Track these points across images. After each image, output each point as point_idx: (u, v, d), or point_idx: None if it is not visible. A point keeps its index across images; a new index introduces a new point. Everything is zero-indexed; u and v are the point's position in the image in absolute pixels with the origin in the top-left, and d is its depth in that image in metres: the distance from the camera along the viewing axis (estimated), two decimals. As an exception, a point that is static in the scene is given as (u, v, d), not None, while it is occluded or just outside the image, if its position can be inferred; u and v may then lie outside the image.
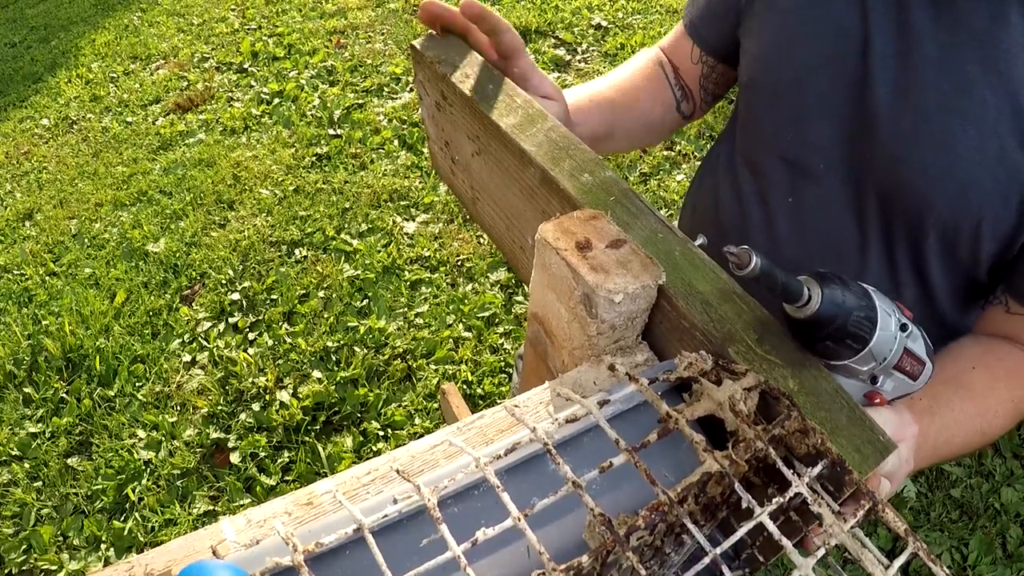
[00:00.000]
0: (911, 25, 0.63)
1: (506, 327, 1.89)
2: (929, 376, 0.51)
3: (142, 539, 1.52)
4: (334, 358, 1.84)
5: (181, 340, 1.92)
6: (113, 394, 1.80)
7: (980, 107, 0.62)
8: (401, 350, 1.84)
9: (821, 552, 0.28)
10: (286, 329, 1.92)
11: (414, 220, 2.22)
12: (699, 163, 0.96)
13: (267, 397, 1.76)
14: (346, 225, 2.21)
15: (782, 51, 0.71)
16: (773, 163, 0.76)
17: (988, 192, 0.64)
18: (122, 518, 1.56)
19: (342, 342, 1.86)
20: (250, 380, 1.79)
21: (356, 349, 1.85)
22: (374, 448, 1.65)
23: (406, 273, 2.04)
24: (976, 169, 0.63)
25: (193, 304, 2.03)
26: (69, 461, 1.68)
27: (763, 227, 0.80)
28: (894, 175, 0.67)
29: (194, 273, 2.10)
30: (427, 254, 2.10)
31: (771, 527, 0.27)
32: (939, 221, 0.67)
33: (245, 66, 3.01)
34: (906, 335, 0.46)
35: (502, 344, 1.85)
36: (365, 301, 1.98)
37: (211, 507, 1.58)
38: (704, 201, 0.90)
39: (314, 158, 2.48)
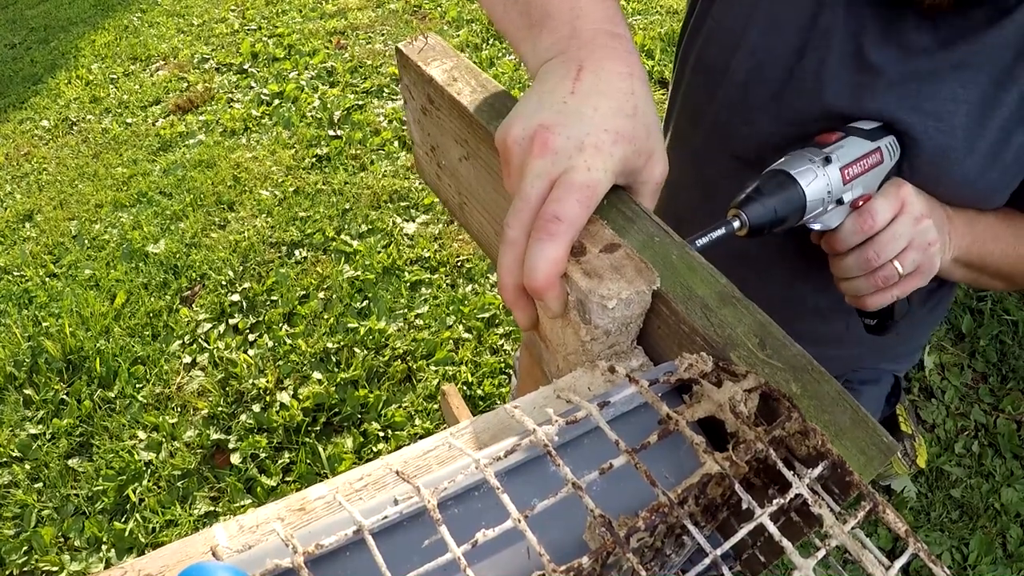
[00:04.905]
0: (865, 23, 0.61)
1: (506, 328, 1.89)
2: (892, 149, 0.60)
3: (143, 540, 1.52)
4: (334, 359, 1.84)
5: (181, 341, 1.92)
6: (113, 395, 1.80)
7: (951, 102, 0.60)
8: (401, 351, 1.84)
9: (822, 553, 0.28)
10: (286, 330, 1.92)
11: (414, 221, 2.22)
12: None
13: (267, 398, 1.76)
14: (346, 226, 2.21)
15: (740, 32, 0.68)
16: (720, 154, 0.73)
17: (964, 169, 0.62)
18: (123, 519, 1.57)
19: (342, 343, 1.86)
20: (250, 381, 1.79)
21: (356, 350, 1.85)
22: (374, 449, 1.65)
23: (406, 274, 2.04)
24: (945, 160, 0.62)
25: (193, 305, 2.03)
26: (70, 462, 1.68)
27: (710, 215, 0.77)
28: None
29: (194, 274, 2.10)
30: (427, 255, 2.10)
31: (771, 528, 0.27)
32: None
33: (245, 67, 3.01)
34: (832, 163, 0.56)
35: (502, 345, 1.85)
36: (365, 302, 1.98)
37: (212, 508, 1.58)
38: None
39: (314, 159, 2.48)
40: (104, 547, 1.53)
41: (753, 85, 0.68)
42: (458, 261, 2.08)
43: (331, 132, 2.59)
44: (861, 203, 0.60)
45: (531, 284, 0.39)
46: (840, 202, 0.59)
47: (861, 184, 0.59)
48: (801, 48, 0.64)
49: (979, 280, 0.72)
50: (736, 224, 0.56)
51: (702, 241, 0.54)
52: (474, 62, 2.67)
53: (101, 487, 1.61)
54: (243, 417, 1.72)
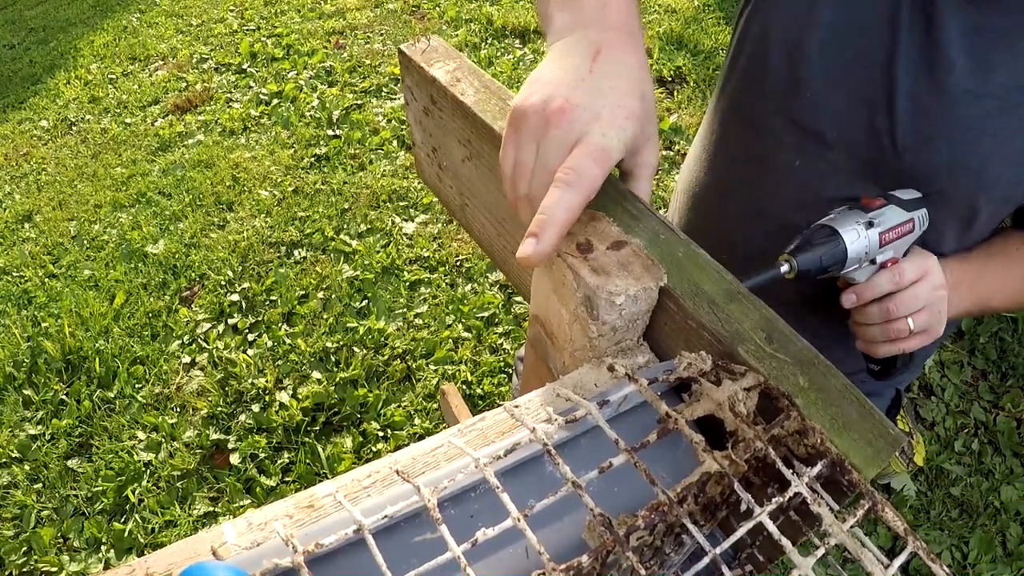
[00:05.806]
0: (937, 4, 0.62)
1: (505, 327, 1.89)
2: (923, 221, 0.68)
3: (142, 540, 1.52)
4: (333, 359, 1.84)
5: (180, 341, 1.92)
6: (113, 396, 1.80)
7: (1002, 89, 0.62)
8: (400, 350, 1.84)
9: (821, 552, 0.28)
10: (285, 330, 1.92)
11: (413, 221, 2.22)
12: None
13: (267, 398, 1.76)
14: (345, 226, 2.21)
15: (807, 6, 0.69)
16: (782, 124, 0.74)
17: (1005, 171, 0.65)
18: (122, 519, 1.56)
19: (341, 343, 1.86)
20: (250, 381, 1.79)
21: (355, 350, 1.85)
22: (373, 449, 1.65)
23: (405, 274, 2.04)
24: (994, 151, 0.64)
25: (192, 305, 2.03)
26: (69, 463, 1.67)
27: (762, 187, 0.78)
28: (909, 153, 0.67)
29: (193, 274, 2.10)
30: (426, 254, 2.10)
31: (770, 526, 0.27)
32: (952, 202, 0.67)
33: (244, 67, 3.00)
34: (874, 227, 0.65)
35: (501, 344, 1.85)
36: (364, 302, 1.98)
37: (211, 508, 1.58)
38: (696, 165, 0.89)
39: (313, 159, 2.48)
40: (103, 548, 1.52)
41: (822, 58, 0.69)
42: (457, 260, 2.08)
43: (330, 132, 2.59)
44: (889, 264, 0.68)
45: (543, 216, 0.40)
46: (873, 262, 0.68)
47: (892, 248, 0.67)
48: (873, 24, 0.66)
49: (982, 316, 0.80)
50: (785, 268, 0.63)
51: (753, 281, 0.60)
52: (472, 61, 2.67)
53: (100, 488, 1.61)
54: (242, 417, 1.72)
